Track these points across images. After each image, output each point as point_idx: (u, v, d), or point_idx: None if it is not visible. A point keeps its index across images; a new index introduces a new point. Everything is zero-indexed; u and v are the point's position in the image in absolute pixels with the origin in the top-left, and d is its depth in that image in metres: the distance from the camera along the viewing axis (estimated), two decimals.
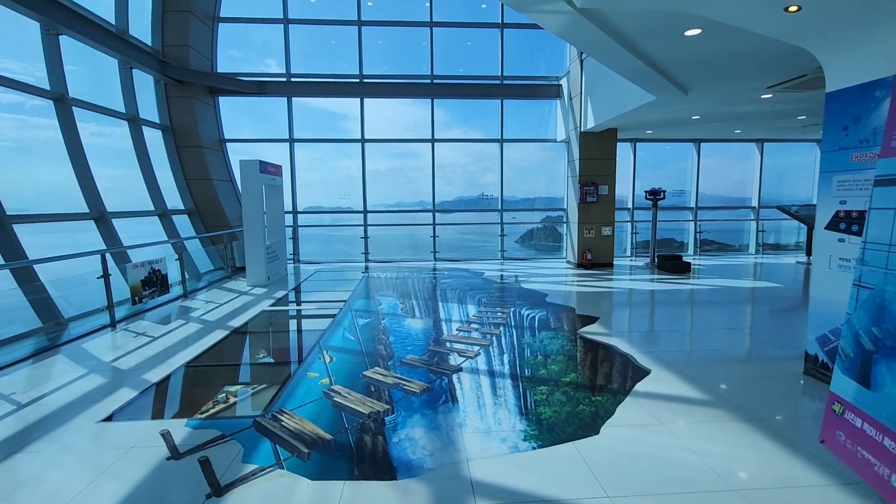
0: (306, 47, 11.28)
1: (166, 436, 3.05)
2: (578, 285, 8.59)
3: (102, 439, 3.06)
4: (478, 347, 4.93)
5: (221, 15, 10.64)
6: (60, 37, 7.00)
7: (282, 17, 10.81)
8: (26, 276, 5.58)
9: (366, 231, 11.71)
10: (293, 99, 11.20)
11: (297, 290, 8.30)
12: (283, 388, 3.86)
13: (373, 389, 3.83)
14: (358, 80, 11.14)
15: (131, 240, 7.68)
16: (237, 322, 6.00)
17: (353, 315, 6.34)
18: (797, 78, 6.10)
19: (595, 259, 10.60)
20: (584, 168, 10.51)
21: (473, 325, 5.81)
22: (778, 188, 13.68)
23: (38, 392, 3.83)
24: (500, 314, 6.36)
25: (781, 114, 8.83)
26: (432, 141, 11.63)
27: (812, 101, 7.52)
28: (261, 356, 4.86)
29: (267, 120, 11.64)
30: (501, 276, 9.63)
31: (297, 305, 7.18)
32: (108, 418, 3.37)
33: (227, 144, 11.14)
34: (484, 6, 11.60)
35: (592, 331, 5.49)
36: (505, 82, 11.48)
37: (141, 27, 9.18)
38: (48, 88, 6.83)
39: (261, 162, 8.32)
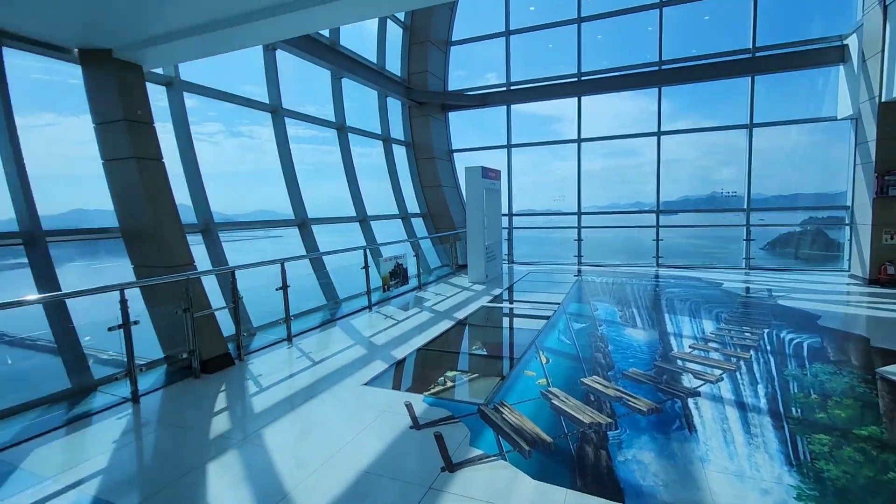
0: (524, 56, 11.64)
1: (409, 406, 3.54)
2: (871, 308, 6.40)
3: (365, 399, 3.76)
4: (720, 371, 4.16)
5: (453, 39, 11.91)
6: (342, 80, 9.00)
7: (503, 30, 11.42)
8: (319, 265, 7.36)
9: (579, 233, 11.36)
10: (511, 106, 11.72)
11: (511, 289, 8.63)
12: (503, 382, 4.03)
13: (592, 398, 3.64)
14: (576, 79, 10.89)
15: (381, 239, 9.32)
16: (461, 314, 6.59)
17: (568, 318, 6.20)
18: None
19: None
20: (885, 151, 7.79)
21: (712, 344, 4.94)
22: None
23: (325, 353, 4.98)
24: (748, 334, 5.25)
25: None
26: (658, 134, 10.47)
27: None
28: (479, 348, 5.21)
29: (487, 129, 12.49)
30: (747, 288, 7.96)
31: (512, 304, 7.45)
32: (368, 383, 4.13)
33: (454, 154, 12.42)
34: None
35: None
36: (757, 55, 9.45)
37: (392, 61, 11.05)
38: (333, 121, 8.88)
39: (482, 168, 8.96)
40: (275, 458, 2.88)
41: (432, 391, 3.88)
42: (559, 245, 12.03)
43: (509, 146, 11.84)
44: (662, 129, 10.44)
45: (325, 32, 8.54)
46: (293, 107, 7.76)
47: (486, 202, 10.02)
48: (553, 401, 3.59)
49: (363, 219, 8.99)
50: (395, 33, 11.13)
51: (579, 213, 11.39)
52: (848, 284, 8.05)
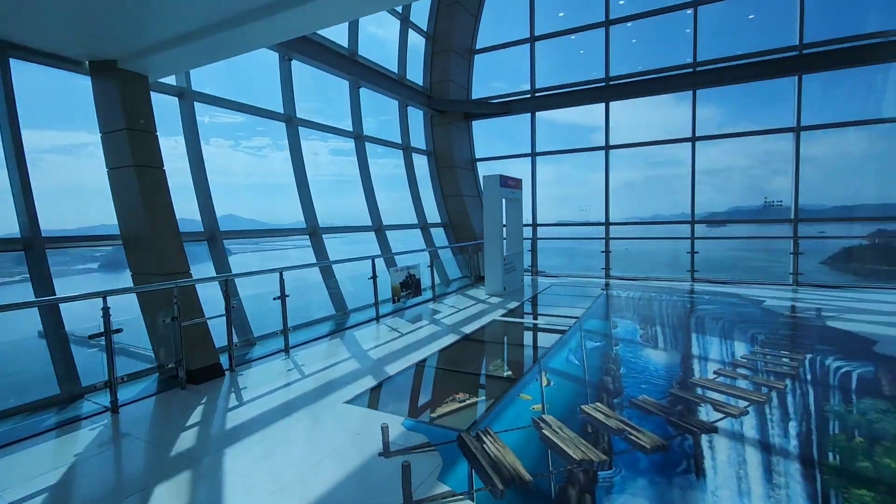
0: (550, 62, 11.29)
1: (384, 430, 3.26)
2: None
3: (342, 419, 3.52)
4: (745, 403, 3.63)
5: (477, 47, 11.73)
6: (361, 89, 8.99)
7: (528, 36, 11.13)
8: (328, 274, 7.27)
9: (607, 244, 10.77)
10: (539, 115, 11.35)
11: (529, 302, 8.21)
12: (494, 406, 3.68)
13: (590, 430, 3.23)
14: (603, 84, 10.42)
15: (400, 248, 9.15)
16: (469, 329, 6.27)
17: (582, 336, 5.74)
18: None
19: None
20: None
21: (741, 371, 4.38)
22: None
23: (317, 367, 4.79)
24: (786, 360, 4.63)
25: None
26: (692, 140, 9.79)
27: None
28: (478, 366, 4.87)
29: (513, 138, 12.16)
30: (793, 307, 7.18)
31: (525, 318, 7.04)
32: (351, 401, 3.89)
33: (478, 163, 12.16)
34: None
35: None
36: (805, 52, 8.67)
37: (414, 71, 10.99)
38: (350, 130, 8.85)
39: (501, 176, 8.64)
40: (226, 483, 2.68)
41: (415, 413, 3.59)
42: (592, 257, 11.44)
43: (533, 154, 11.45)
44: (698, 134, 9.77)
45: (344, 42, 8.58)
46: (311, 117, 7.79)
47: (507, 212, 9.69)
48: (544, 430, 3.21)
49: (379, 228, 8.87)
50: (417, 43, 11.09)
51: (607, 224, 10.81)
52: None
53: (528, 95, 11.23)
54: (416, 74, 10.99)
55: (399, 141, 10.33)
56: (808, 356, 4.73)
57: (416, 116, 11.11)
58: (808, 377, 4.18)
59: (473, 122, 12.03)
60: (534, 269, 11.64)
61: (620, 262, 10.83)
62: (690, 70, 9.60)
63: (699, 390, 3.92)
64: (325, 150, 9.12)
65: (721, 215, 10.53)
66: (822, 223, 9.31)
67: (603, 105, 10.54)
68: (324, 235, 7.50)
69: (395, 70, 10.14)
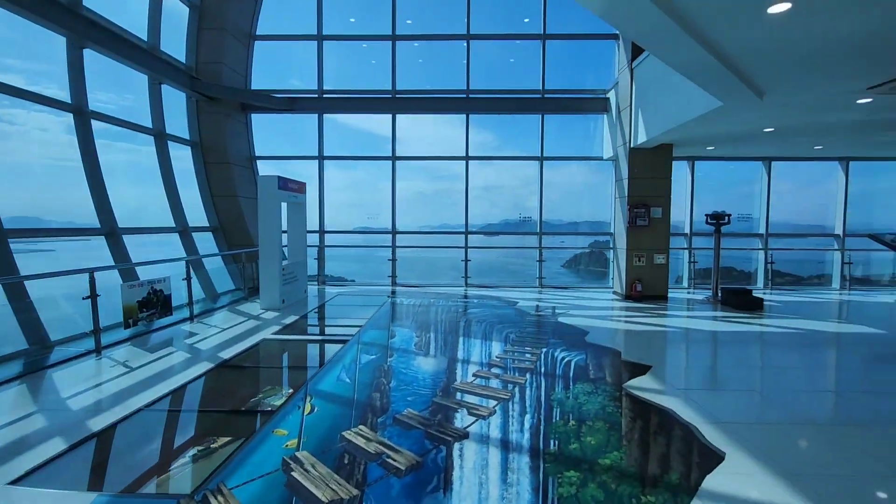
0: (342, 65, 11.01)
1: None
2: (626, 321, 7.39)
3: None
4: (494, 403, 3.96)
5: (257, 33, 10.58)
6: (85, 50, 6.92)
7: (316, 33, 10.61)
8: (17, 293, 5.24)
9: (394, 253, 11.06)
10: (333, 118, 10.93)
11: (309, 315, 7.66)
12: (236, 453, 3.08)
13: (346, 461, 2.97)
14: (390, 96, 10.68)
15: (149, 257, 7.37)
16: (229, 353, 5.36)
17: (359, 350, 5.55)
18: None
19: (646, 291, 9.30)
20: (633, 188, 9.36)
21: (494, 370, 4.84)
22: (867, 214, 11.81)
23: None
24: (528, 356, 5.36)
25: (881, 125, 7.36)
26: (466, 158, 10.90)
27: None
28: (236, 401, 4.13)
29: (303, 139, 11.37)
30: (537, 306, 8.58)
31: (302, 335, 6.50)
32: (19, 480, 2.72)
33: (258, 162, 10.94)
34: (527, 20, 10.87)
35: (643, 385, 4.38)
36: (546, 96, 10.62)
37: (176, 45, 9.18)
38: (69, 102, 6.73)
39: (279, 178, 7.87)
40: None
41: (122, 481, 2.71)
42: (383, 264, 11.52)
43: (321, 157, 10.95)
44: (471, 154, 10.92)
45: None
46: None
47: (288, 217, 8.94)
48: (294, 473, 2.80)
49: (111, 231, 6.95)
50: (180, 12, 9.32)
51: (394, 232, 11.10)
52: (612, 301, 9.34)
53: (316, 95, 10.69)
54: (177, 50, 9.19)
55: (149, 125, 8.41)
56: (544, 350, 5.59)
57: (176, 99, 9.28)
58: (543, 369, 4.89)
59: (253, 116, 10.80)
60: (320, 279, 11.09)
61: (407, 270, 11.25)
62: (464, 96, 10.67)
63: (458, 395, 4.13)
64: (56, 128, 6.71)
65: (495, 227, 12.01)
66: (560, 235, 11.51)
67: (390, 116, 10.80)
68: (12, 241, 5.41)
69: (146, 38, 8.25)
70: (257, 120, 10.87)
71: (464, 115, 10.79)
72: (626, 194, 9.40)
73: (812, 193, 11.94)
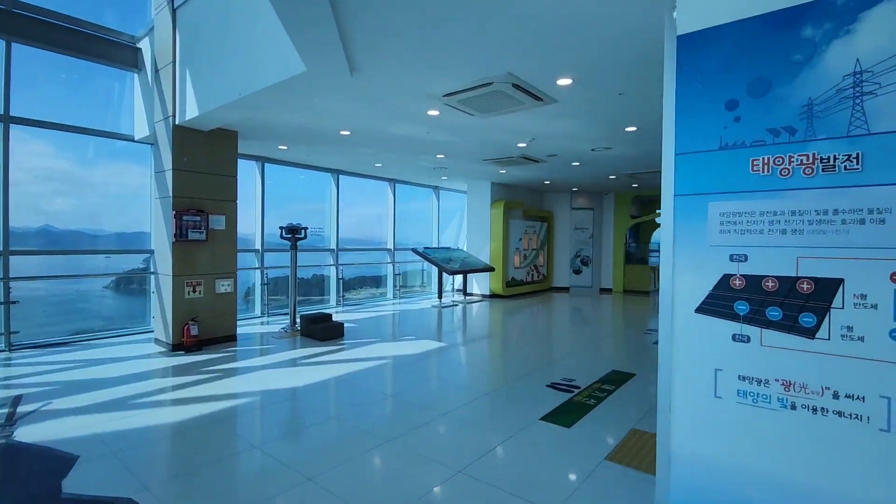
0: None
1: None
2: (162, 404, 4.41)
3: None
4: None
5: None
6: None
7: None
8: None
9: None
10: None
11: None
12: None
13: None
14: None
15: None
16: None
17: None
18: (482, 86, 4.60)
19: (205, 333, 6.54)
20: (182, 184, 6.41)
21: None
22: (409, 230, 13.76)
23: None
24: None
25: (423, 147, 7.87)
26: None
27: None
28: None
29: None
30: None
31: None
32: None
33: None
34: None
35: None
36: (21, 12, 5.93)
37: None
38: None
39: None
40: None
41: None
42: None
43: None
44: None
45: None
46: None
47: None
48: None
49: None
50: None
51: None
52: (150, 357, 6.00)
53: None
54: None
55: None
56: None
57: None
58: None
59: None
60: None
61: None
62: None
63: None
64: None
65: None
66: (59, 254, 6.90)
67: None
68: None
69: None
70: None
71: None
72: (171, 193, 6.33)
73: (373, 209, 12.74)
